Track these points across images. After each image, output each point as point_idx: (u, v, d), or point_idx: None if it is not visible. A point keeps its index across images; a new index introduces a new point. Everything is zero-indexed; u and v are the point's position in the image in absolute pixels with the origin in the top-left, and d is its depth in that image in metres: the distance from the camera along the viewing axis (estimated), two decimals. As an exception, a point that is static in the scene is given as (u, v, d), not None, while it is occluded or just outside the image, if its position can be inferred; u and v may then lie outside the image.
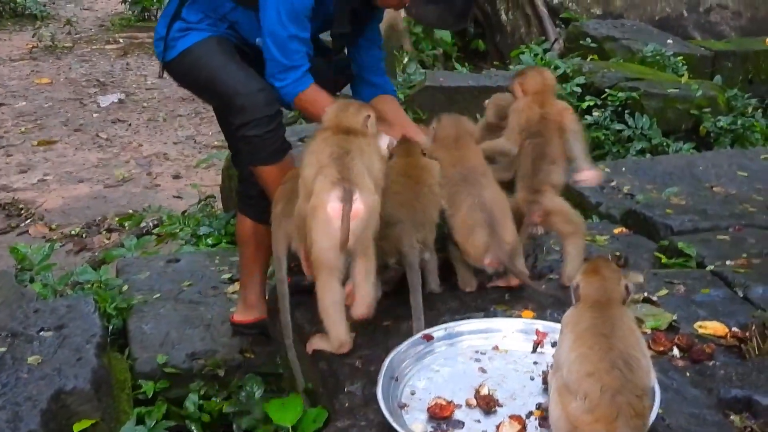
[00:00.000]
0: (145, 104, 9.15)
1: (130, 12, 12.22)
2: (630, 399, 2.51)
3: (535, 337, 3.24)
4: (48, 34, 11.14)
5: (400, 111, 4.21)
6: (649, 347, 3.18)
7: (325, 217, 3.08)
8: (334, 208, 3.05)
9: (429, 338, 3.15)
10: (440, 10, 3.79)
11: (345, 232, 3.01)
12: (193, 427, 3.80)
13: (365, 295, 3.26)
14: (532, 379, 3.04)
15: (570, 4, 9.96)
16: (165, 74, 4.14)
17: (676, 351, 3.25)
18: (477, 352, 3.16)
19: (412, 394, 2.95)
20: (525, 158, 3.61)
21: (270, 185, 3.78)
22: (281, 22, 3.70)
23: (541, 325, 3.26)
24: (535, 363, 3.13)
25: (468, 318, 3.28)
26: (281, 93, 3.81)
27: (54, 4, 13.26)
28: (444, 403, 2.85)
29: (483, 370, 3.07)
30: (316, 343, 3.27)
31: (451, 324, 3.22)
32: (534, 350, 3.21)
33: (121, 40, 11.41)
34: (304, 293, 3.45)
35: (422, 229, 3.40)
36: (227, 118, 3.96)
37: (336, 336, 3.17)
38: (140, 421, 3.69)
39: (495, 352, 3.20)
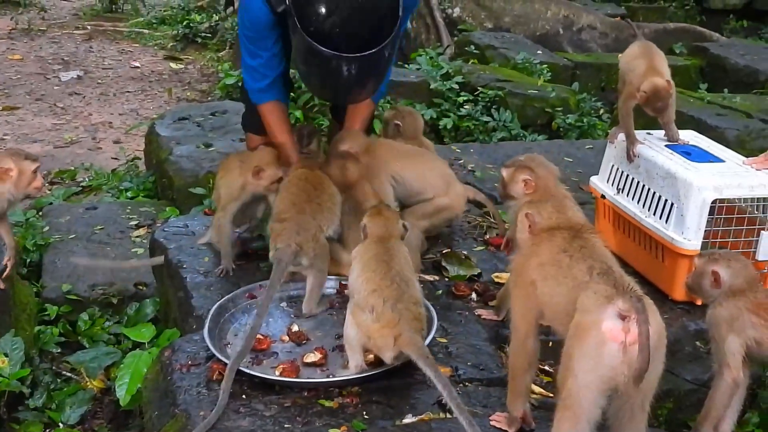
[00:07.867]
0: (100, 81, 9.65)
1: (100, 4, 13.03)
2: (408, 306, 2.78)
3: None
4: (26, 18, 11.74)
5: (354, 116, 4.05)
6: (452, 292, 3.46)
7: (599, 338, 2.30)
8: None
9: (252, 297, 3.38)
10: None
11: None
12: (84, 342, 4.04)
13: None
14: (332, 315, 3.34)
15: (467, 18, 10.91)
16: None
17: (474, 295, 3.55)
18: (291, 300, 3.45)
19: (235, 335, 3.21)
20: None
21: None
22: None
23: (341, 279, 3.49)
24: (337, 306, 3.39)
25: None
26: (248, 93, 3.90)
27: (36, -7, 13.53)
28: (262, 338, 3.07)
29: (295, 315, 3.36)
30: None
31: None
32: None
33: (88, 27, 12.00)
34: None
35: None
36: None
37: None
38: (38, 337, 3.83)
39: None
